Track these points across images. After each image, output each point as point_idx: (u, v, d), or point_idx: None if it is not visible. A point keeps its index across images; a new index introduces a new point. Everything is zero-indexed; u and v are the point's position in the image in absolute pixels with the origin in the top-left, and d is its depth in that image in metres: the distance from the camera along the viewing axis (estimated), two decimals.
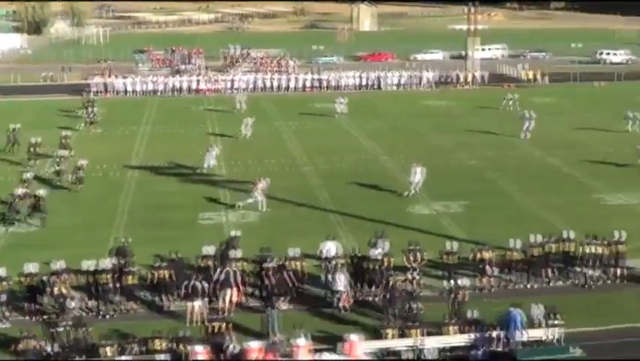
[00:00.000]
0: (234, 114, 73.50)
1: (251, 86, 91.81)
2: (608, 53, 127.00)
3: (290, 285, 31.26)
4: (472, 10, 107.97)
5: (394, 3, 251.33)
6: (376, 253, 32.38)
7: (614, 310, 30.85)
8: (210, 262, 32.29)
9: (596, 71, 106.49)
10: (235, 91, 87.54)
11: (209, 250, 32.96)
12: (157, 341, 25.98)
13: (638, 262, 33.97)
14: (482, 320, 27.57)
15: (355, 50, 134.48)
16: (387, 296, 29.96)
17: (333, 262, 32.40)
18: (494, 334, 26.87)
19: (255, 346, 25.76)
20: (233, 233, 35.87)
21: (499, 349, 26.69)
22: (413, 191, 46.77)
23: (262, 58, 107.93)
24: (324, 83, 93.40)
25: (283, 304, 30.81)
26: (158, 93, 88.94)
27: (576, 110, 76.81)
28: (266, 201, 44.27)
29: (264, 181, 44.67)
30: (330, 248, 33.54)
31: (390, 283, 30.12)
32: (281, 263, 31.98)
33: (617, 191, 47.33)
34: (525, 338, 27.21)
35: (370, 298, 31.71)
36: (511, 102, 76.20)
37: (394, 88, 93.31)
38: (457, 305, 28.89)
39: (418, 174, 47.04)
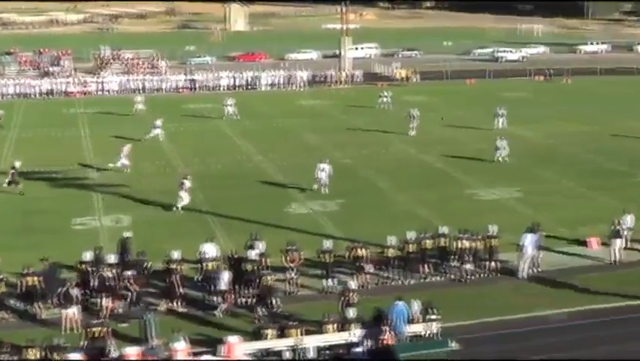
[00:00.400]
0: (132, 116, 73.33)
1: (123, 87, 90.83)
2: (505, 51, 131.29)
3: (177, 288, 31.05)
4: (344, 9, 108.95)
5: (266, 3, 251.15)
6: (253, 254, 32.27)
7: (488, 304, 31.45)
8: (89, 268, 31.67)
9: (468, 68, 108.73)
10: (135, 92, 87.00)
11: (88, 255, 32.29)
12: (30, 350, 25.28)
13: (511, 256, 34.60)
14: (362, 317, 27.79)
15: (228, 51, 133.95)
16: (258, 295, 30.14)
17: (211, 264, 32.25)
18: (382, 329, 27.13)
19: (133, 351, 25.38)
20: (125, 234, 35.13)
21: (380, 345, 26.89)
22: (316, 187, 47.10)
23: (133, 59, 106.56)
24: (198, 84, 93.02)
25: (162, 307, 30.62)
26: (27, 96, 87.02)
27: (448, 108, 78.20)
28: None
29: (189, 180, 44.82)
30: (209, 250, 33.33)
31: (262, 283, 30.12)
32: (167, 267, 31.63)
33: (490, 186, 48.37)
34: (434, 331, 27.68)
35: (248, 300, 31.58)
36: (385, 100, 77.23)
37: (269, 88, 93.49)
38: (346, 308, 29.02)
39: (325, 171, 47.41)
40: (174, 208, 44.00)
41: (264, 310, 29.84)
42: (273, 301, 30.31)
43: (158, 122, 62.39)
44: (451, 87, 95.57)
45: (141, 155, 56.11)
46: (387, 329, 27.03)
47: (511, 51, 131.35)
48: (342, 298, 29.16)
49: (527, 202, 45.01)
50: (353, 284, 29.82)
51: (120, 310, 30.24)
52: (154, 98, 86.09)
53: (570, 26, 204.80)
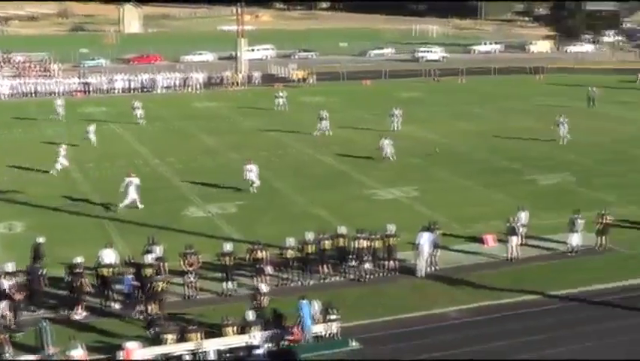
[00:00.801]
0: (56, 120, 72.36)
1: (14, 91, 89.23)
2: (426, 51, 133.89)
3: (81, 294, 30.80)
4: (239, 11, 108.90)
5: (161, 4, 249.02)
6: (150, 258, 32.01)
7: (388, 303, 31.80)
8: None
9: (364, 69, 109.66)
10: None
11: None
12: None
13: (410, 255, 35.00)
14: (261, 320, 27.84)
15: (123, 53, 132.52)
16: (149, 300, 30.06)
17: (107, 270, 31.88)
18: (288, 329, 27.30)
19: (28, 360, 25.01)
20: (39, 240, 34.49)
21: (280, 347, 27.02)
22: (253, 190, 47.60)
23: (24, 62, 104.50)
24: (92, 87, 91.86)
25: (77, 315, 30.42)
26: None
27: (345, 108, 78.74)
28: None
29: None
30: (108, 256, 32.94)
31: (153, 288, 29.97)
32: (77, 271, 31.19)
33: (387, 186, 48.90)
34: (318, 331, 27.87)
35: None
36: (281, 101, 77.44)
37: (165, 90, 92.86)
38: (258, 307, 29.00)
39: (253, 171, 47.79)
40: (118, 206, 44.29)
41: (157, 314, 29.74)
42: (162, 306, 30.19)
43: (92, 128, 61.76)
44: (348, 88, 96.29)
45: (36, 160, 55.21)
46: (296, 327, 27.28)
47: (430, 51, 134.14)
48: (254, 301, 29.18)
49: (424, 201, 45.63)
50: (264, 287, 29.85)
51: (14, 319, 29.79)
52: (47, 101, 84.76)
53: (464, 27, 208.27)
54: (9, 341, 26.58)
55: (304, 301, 27.79)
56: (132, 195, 44.34)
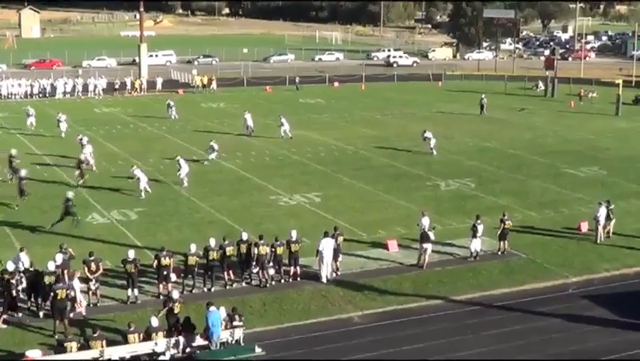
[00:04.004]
0: None
1: None
2: (400, 57, 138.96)
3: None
4: (140, 16, 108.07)
5: (61, 9, 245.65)
6: (52, 266, 31.41)
7: (291, 308, 31.83)
8: None
9: (264, 75, 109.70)
10: None
11: None
12: None
13: (312, 260, 35.09)
14: (164, 326, 27.65)
15: (21, 58, 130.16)
16: (53, 307, 29.47)
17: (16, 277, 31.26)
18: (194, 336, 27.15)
19: None
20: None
21: (183, 354, 26.87)
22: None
23: None
24: None
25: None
26: None
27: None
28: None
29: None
30: (24, 260, 32.34)
31: (56, 296, 29.46)
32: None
33: (290, 192, 48.95)
34: (238, 337, 27.84)
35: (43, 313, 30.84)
36: (174, 109, 75.98)
37: (66, 96, 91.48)
38: (172, 316, 28.75)
39: (184, 168, 50.06)
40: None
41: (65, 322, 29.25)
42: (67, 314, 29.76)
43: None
44: (250, 94, 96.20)
45: None
46: (202, 334, 27.16)
47: (403, 56, 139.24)
48: (166, 307, 28.91)
49: (327, 207, 45.76)
50: (176, 293, 29.59)
51: None
52: None
53: (365, 33, 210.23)
54: None
55: (212, 308, 27.66)
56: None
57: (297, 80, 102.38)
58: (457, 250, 38.20)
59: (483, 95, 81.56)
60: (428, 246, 36.42)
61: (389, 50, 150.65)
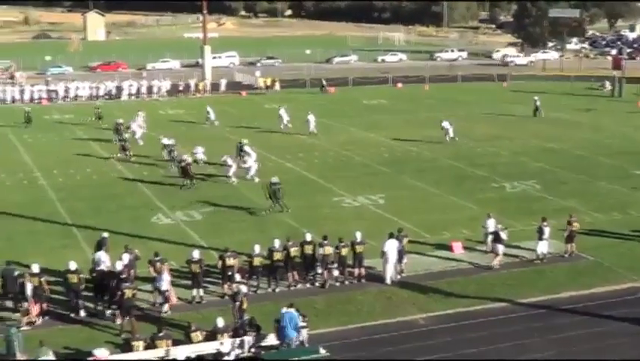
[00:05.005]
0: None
1: None
2: (517, 56, 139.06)
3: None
4: (204, 18, 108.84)
5: (126, 12, 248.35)
6: (119, 265, 31.85)
7: (355, 310, 31.81)
8: None
9: (328, 76, 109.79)
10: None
11: None
12: None
13: (376, 262, 35.02)
14: (229, 326, 27.80)
15: (87, 60, 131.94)
16: (120, 306, 29.93)
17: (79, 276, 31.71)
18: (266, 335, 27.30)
19: None
20: (105, 234, 35.21)
21: (249, 354, 26.98)
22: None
23: None
24: (58, 94, 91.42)
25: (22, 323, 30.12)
26: None
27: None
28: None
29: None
30: (104, 258, 32.83)
31: (123, 295, 29.83)
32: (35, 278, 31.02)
33: (354, 193, 48.92)
34: (302, 338, 27.81)
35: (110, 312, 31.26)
36: (212, 114, 75.81)
37: (131, 98, 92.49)
38: (240, 312, 29.04)
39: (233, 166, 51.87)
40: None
41: (130, 320, 29.60)
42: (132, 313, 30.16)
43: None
44: (313, 95, 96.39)
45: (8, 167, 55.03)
46: (275, 334, 27.30)
47: (519, 56, 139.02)
48: (235, 302, 29.13)
49: (391, 208, 45.65)
50: (244, 288, 29.78)
51: None
52: (12, 108, 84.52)
53: (428, 34, 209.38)
54: None
55: (290, 310, 27.74)
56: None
57: (324, 82, 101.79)
58: (523, 253, 37.80)
59: (536, 97, 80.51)
60: (500, 246, 36.20)
61: (453, 51, 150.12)
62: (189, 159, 51.67)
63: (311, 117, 69.19)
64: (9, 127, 72.67)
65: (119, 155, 58.53)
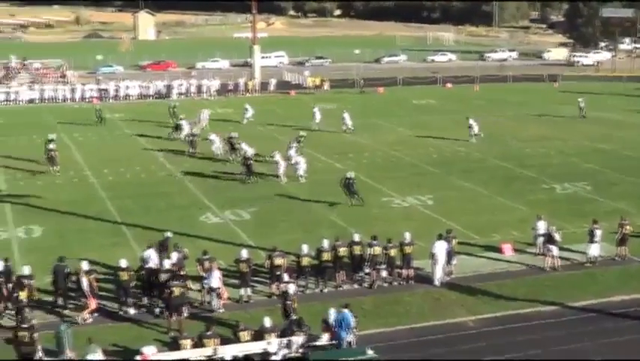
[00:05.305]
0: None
1: (31, 97, 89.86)
2: (585, 56, 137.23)
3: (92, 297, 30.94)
4: (253, 18, 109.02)
5: (175, 11, 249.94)
6: (167, 263, 31.98)
7: (403, 311, 31.66)
8: (1, 279, 31.04)
9: (377, 76, 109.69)
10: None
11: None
12: None
13: (425, 263, 34.82)
14: (278, 325, 27.78)
15: (137, 59, 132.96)
16: (169, 304, 30.04)
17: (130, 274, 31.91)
18: (323, 337, 27.27)
19: None
20: (168, 234, 35.68)
21: (297, 354, 26.91)
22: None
23: (41, 69, 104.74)
24: (109, 93, 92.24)
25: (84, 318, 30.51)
26: None
27: (358, 115, 78.69)
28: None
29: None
30: (153, 255, 33.01)
31: (172, 293, 29.94)
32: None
33: (403, 193, 48.74)
34: (350, 339, 27.62)
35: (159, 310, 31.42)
36: (249, 111, 76.10)
37: (181, 97, 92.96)
38: (290, 310, 29.04)
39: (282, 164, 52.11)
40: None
41: (176, 319, 29.73)
42: (184, 312, 30.31)
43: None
44: (362, 95, 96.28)
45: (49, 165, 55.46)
46: (328, 334, 27.24)
47: (586, 56, 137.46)
48: (285, 302, 29.19)
49: (439, 209, 45.40)
50: (293, 288, 29.86)
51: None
52: (63, 107, 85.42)
53: (478, 34, 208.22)
54: (37, 341, 26.63)
55: (344, 311, 27.69)
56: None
57: (361, 83, 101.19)
58: (573, 255, 37.33)
59: (580, 99, 79.57)
60: (554, 248, 35.81)
61: (503, 51, 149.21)
62: (251, 154, 53.04)
63: (346, 115, 69.73)
64: (60, 125, 73.31)
65: (190, 150, 59.98)
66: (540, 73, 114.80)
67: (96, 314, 30.87)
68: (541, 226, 37.08)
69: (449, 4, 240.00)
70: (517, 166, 56.07)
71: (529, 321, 30.72)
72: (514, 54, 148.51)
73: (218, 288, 31.55)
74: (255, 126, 72.24)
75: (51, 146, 55.17)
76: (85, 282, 30.60)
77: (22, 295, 30.28)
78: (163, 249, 34.25)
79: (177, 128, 65.34)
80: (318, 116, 71.63)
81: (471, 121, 65.55)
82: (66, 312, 31.09)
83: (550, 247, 35.82)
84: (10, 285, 30.90)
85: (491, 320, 30.84)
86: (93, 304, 30.77)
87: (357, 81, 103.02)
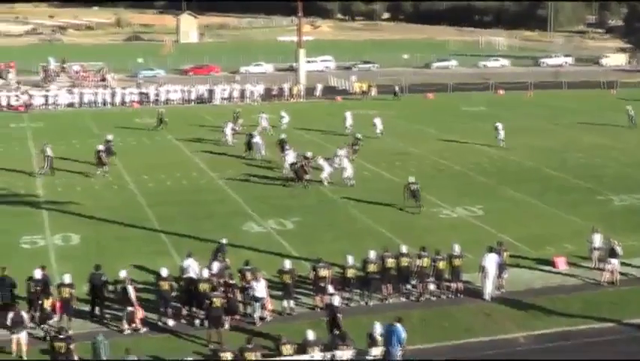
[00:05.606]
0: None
1: (71, 101, 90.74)
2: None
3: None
4: (299, 21, 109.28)
5: (219, 14, 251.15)
6: (206, 273, 32.08)
7: (452, 326, 31.51)
8: (37, 287, 31.31)
9: (426, 82, 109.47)
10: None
11: (37, 274, 31.80)
12: None
13: (474, 276, 34.63)
14: (322, 339, 27.75)
15: (179, 63, 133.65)
16: (209, 316, 30.10)
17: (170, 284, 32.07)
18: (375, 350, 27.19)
19: None
20: (223, 240, 36.06)
21: None
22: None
23: (80, 72, 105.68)
24: (149, 98, 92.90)
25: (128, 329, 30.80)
26: None
27: (406, 122, 78.65)
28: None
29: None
30: (193, 265, 33.21)
31: (213, 304, 30.03)
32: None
33: (452, 204, 48.55)
34: (399, 355, 27.50)
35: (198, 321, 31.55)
36: (286, 118, 75.97)
37: (224, 102, 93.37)
38: (337, 323, 29.04)
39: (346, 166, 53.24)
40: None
41: (216, 331, 29.83)
42: (225, 323, 30.40)
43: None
44: (410, 101, 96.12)
45: (89, 171, 55.94)
46: (382, 349, 27.14)
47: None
48: (335, 315, 29.16)
49: (490, 220, 45.18)
50: (337, 300, 29.90)
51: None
52: (103, 111, 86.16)
53: (532, 38, 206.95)
54: (74, 351, 26.87)
55: (397, 324, 27.65)
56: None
57: (396, 89, 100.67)
58: (631, 270, 36.99)
59: (629, 107, 78.75)
60: (615, 261, 35.49)
61: (558, 56, 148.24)
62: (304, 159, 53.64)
63: (377, 120, 69.98)
64: (100, 129, 73.87)
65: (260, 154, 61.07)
66: (597, 79, 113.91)
67: (134, 324, 31.02)
68: (597, 239, 36.79)
69: (503, 7, 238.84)
70: (571, 176, 55.66)
71: (584, 338, 30.40)
72: (570, 60, 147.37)
73: (264, 298, 31.63)
74: (301, 133, 72.32)
75: (101, 147, 56.76)
76: (132, 290, 30.82)
77: (47, 303, 30.53)
78: (218, 256, 34.55)
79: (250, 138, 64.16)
80: (349, 121, 72.62)
81: (498, 125, 66.15)
82: (112, 324, 31.24)
83: (612, 260, 35.46)
84: (48, 294, 31.21)
85: (543, 337, 30.55)
86: (141, 312, 30.98)
87: (403, 87, 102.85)
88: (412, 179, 47.59)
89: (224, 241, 36.19)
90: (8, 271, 32.01)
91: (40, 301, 30.48)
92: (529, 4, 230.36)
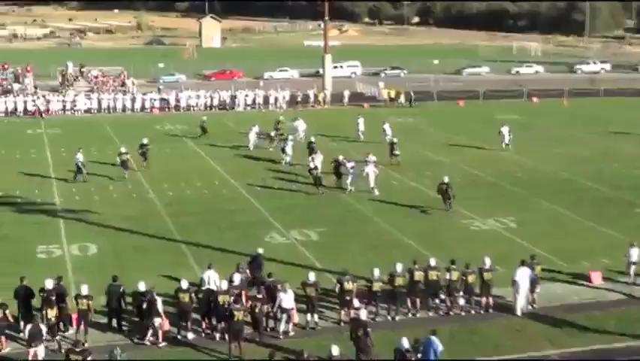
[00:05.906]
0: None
1: (89, 106, 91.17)
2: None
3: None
4: (326, 25, 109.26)
5: (243, 18, 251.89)
6: (224, 285, 32.05)
7: (482, 342, 31.45)
8: (52, 296, 31.42)
9: (456, 89, 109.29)
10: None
11: (50, 283, 31.92)
12: None
13: (506, 291, 34.53)
14: (346, 354, 27.71)
15: (201, 68, 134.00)
16: (229, 329, 30.15)
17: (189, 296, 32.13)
18: None
19: None
20: (259, 250, 36.41)
21: None
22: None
23: (100, 77, 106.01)
24: (170, 103, 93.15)
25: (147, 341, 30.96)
26: None
27: (436, 130, 78.53)
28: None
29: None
30: (211, 277, 33.34)
31: (235, 317, 30.04)
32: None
33: (483, 215, 48.43)
34: None
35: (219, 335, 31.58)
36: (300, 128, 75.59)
37: (247, 108, 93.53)
38: (363, 340, 28.92)
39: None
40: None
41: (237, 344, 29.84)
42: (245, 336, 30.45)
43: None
44: (441, 108, 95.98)
45: (108, 178, 56.20)
46: None
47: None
48: (365, 330, 28.98)
49: (523, 233, 45.02)
50: (364, 313, 29.89)
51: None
52: (123, 117, 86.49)
53: (567, 44, 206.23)
54: None
55: (432, 337, 27.56)
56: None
57: (411, 96, 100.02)
58: None
59: None
60: None
61: (595, 63, 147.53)
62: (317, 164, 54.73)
63: (386, 126, 70.17)
64: (119, 136, 74.14)
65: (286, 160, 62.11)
66: (635, 87, 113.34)
67: (152, 338, 31.10)
68: (635, 254, 36.58)
69: (537, 11, 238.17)
70: (609, 188, 55.38)
71: (620, 357, 30.22)
72: (607, 66, 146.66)
73: (292, 308, 31.64)
74: (327, 141, 72.27)
75: (122, 152, 58.17)
76: (160, 303, 30.91)
77: (51, 313, 30.59)
78: (255, 267, 34.91)
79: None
80: (361, 127, 73.52)
81: (504, 129, 67.99)
82: (135, 338, 31.39)
83: None
84: (64, 304, 31.32)
85: (578, 355, 30.43)
86: (167, 325, 31.07)
87: (435, 94, 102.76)
88: (446, 179, 49.10)
89: (260, 251, 36.27)
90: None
91: (44, 312, 30.47)
92: (564, 7, 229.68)
